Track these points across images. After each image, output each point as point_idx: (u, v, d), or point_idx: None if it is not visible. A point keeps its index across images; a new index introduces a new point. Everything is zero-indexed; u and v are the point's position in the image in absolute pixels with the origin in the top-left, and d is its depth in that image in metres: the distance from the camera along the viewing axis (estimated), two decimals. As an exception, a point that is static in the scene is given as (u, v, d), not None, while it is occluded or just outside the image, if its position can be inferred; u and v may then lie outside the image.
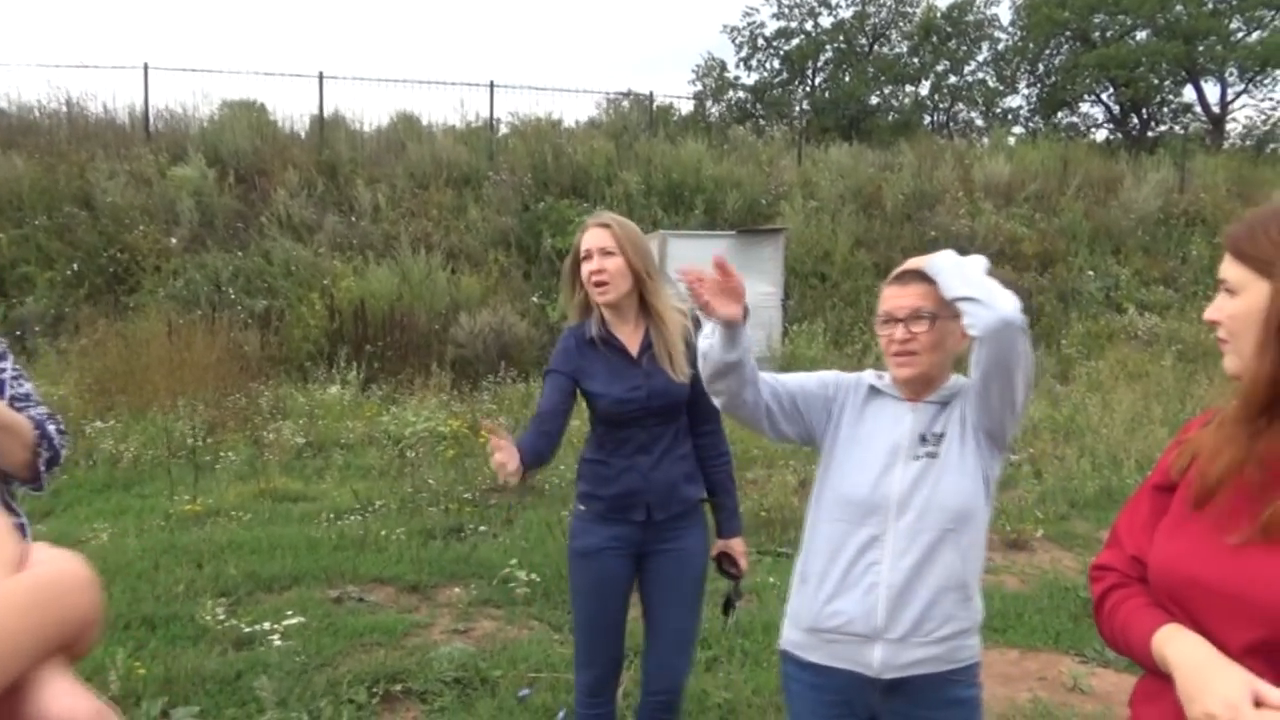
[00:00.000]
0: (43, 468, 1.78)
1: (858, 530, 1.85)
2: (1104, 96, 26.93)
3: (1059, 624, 4.16)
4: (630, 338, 2.46)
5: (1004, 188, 14.75)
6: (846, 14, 28.85)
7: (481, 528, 5.38)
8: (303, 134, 14.64)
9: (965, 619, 1.85)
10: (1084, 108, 27.53)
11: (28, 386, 1.85)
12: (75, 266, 11.08)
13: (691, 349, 2.36)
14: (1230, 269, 1.22)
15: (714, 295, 1.80)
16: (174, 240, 11.49)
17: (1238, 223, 1.25)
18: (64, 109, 14.09)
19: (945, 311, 1.79)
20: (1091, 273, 13.25)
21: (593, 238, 2.41)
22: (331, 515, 5.32)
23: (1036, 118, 27.43)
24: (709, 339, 1.85)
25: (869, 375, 1.99)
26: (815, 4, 28.82)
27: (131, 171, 12.42)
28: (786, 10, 28.98)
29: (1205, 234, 14.26)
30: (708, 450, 2.53)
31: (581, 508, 2.50)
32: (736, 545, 2.58)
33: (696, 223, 12.71)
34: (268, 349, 10.37)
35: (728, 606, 2.66)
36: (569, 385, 2.44)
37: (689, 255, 9.97)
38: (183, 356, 9.25)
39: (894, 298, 1.85)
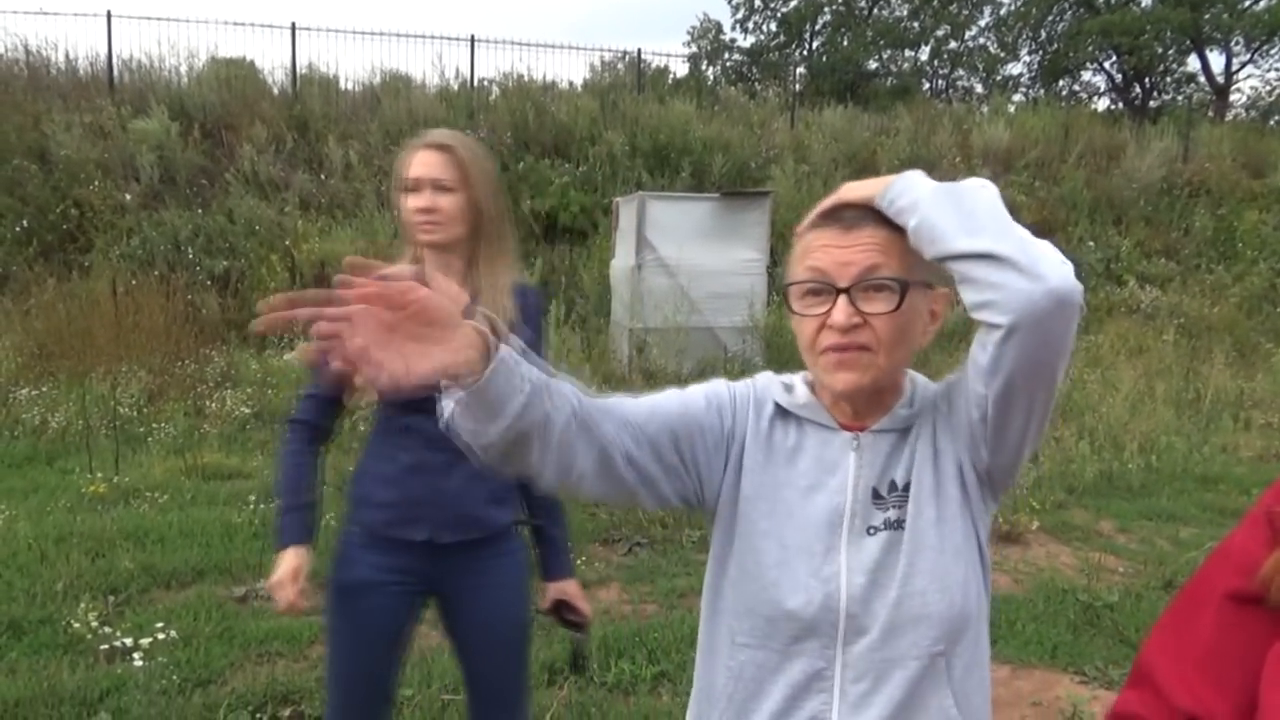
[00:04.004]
0: None
1: (787, 663, 1.09)
2: (1106, 65, 26.29)
3: (1056, 635, 3.71)
4: None
5: (1003, 154, 14.25)
6: (846, -25, 28.08)
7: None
8: (276, 89, 13.99)
9: None
10: (1086, 76, 26.96)
11: None
12: (25, 223, 10.50)
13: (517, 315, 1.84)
14: None
15: (390, 346, 0.86)
16: (129, 196, 10.90)
17: None
18: (22, 58, 13.40)
19: (918, 276, 1.07)
20: (1092, 243, 12.77)
21: (425, 164, 1.80)
22: (258, 497, 4.83)
23: (1037, 85, 26.79)
24: (443, 415, 0.96)
25: (773, 386, 1.19)
26: (814, -36, 28.02)
27: (90, 124, 11.80)
28: (784, -30, 28.18)
29: (1209, 205, 13.84)
30: None
31: (354, 528, 1.93)
32: (573, 588, 2.02)
33: (682, 185, 12.20)
34: (226, 312, 9.89)
35: (577, 661, 2.16)
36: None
37: (670, 219, 9.46)
38: (133, 319, 8.74)
39: (830, 248, 1.09)
